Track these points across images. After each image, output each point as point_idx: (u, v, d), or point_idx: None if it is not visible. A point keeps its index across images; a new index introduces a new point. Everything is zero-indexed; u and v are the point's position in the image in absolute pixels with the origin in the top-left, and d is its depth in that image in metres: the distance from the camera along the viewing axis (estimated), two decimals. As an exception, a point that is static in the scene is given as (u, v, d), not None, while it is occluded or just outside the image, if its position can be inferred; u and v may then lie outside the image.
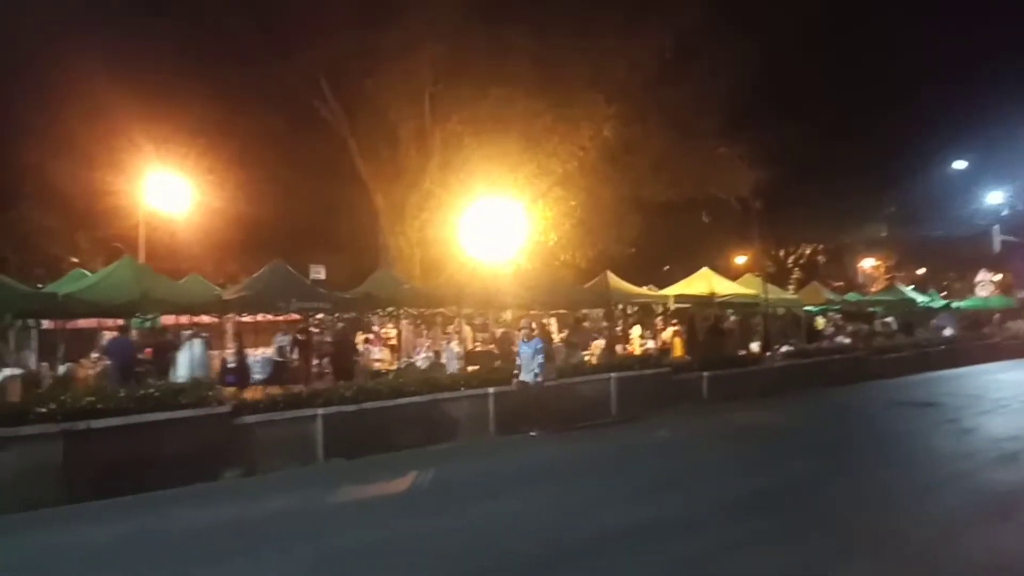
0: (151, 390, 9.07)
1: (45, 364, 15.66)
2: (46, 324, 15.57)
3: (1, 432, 7.90)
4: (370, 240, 22.32)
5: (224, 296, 11.95)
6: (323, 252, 23.54)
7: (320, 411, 10.08)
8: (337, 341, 13.26)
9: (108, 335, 16.41)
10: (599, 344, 17.70)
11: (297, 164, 19.70)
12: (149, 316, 13.55)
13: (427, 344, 18.17)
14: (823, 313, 25.08)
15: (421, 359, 16.53)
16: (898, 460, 9.39)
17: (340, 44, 17.31)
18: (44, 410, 8.19)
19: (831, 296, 24.88)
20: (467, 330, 18.20)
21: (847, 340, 21.72)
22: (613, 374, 13.77)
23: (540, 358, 11.53)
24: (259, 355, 15.20)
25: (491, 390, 11.88)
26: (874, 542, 6.02)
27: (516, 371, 11.72)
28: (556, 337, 18.71)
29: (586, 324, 20.20)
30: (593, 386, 13.55)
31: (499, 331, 18.52)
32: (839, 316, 25.38)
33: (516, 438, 11.47)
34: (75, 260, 19.12)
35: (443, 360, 15.65)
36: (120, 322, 14.73)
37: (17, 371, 14.41)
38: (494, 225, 19.48)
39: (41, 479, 8.03)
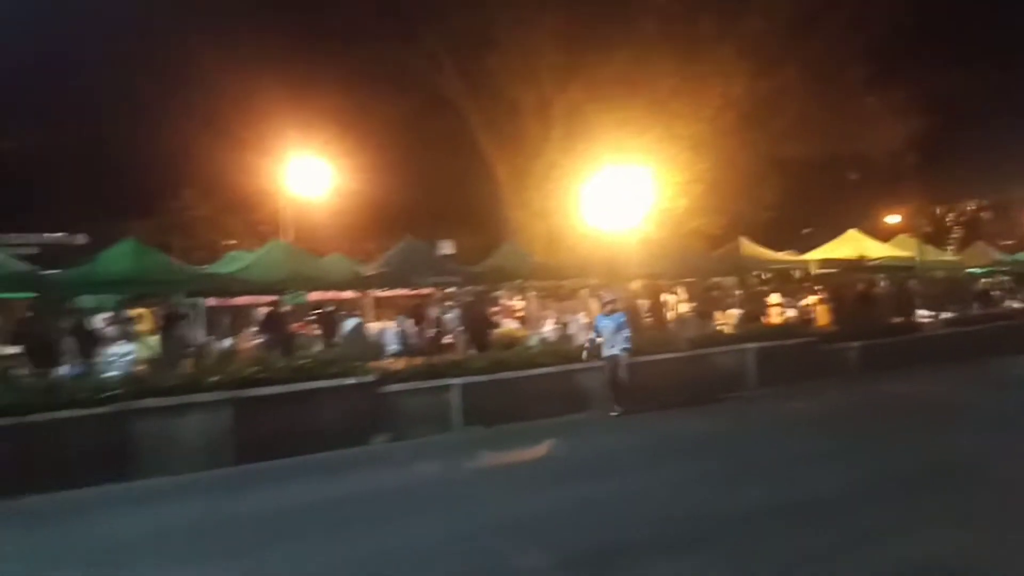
0: (305, 361, 9.72)
1: (211, 338, 17.31)
2: (211, 302, 17.18)
3: (179, 399, 8.79)
4: (494, 215, 22.62)
5: (364, 273, 12.54)
6: (450, 228, 24.16)
7: (457, 381, 10.41)
8: (471, 314, 13.58)
9: (262, 311, 17.88)
10: (733, 313, 16.97)
11: (424, 144, 20.24)
12: (298, 293, 14.53)
13: (553, 316, 18.23)
14: (989, 275, 22.65)
15: (548, 331, 16.62)
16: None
17: (460, 21, 17.49)
18: (215, 379, 9.02)
19: (999, 256, 22.39)
20: (592, 302, 18.06)
21: (1018, 305, 19.52)
22: (752, 344, 13.16)
23: (626, 332, 10.96)
24: (396, 328, 15.92)
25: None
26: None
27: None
28: (681, 307, 18.13)
29: (715, 293, 19.43)
30: (729, 357, 13.03)
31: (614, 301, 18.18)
32: (1008, 278, 22.84)
33: (646, 411, 11.25)
34: (229, 243, 20.88)
35: (570, 332, 15.64)
36: (272, 299, 15.97)
37: (192, 345, 16.08)
38: (619, 193, 19.06)
39: (215, 442, 8.87)
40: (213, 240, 21.90)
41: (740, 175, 19.54)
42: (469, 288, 16.82)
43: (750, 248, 16.51)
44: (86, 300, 14.58)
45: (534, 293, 17.61)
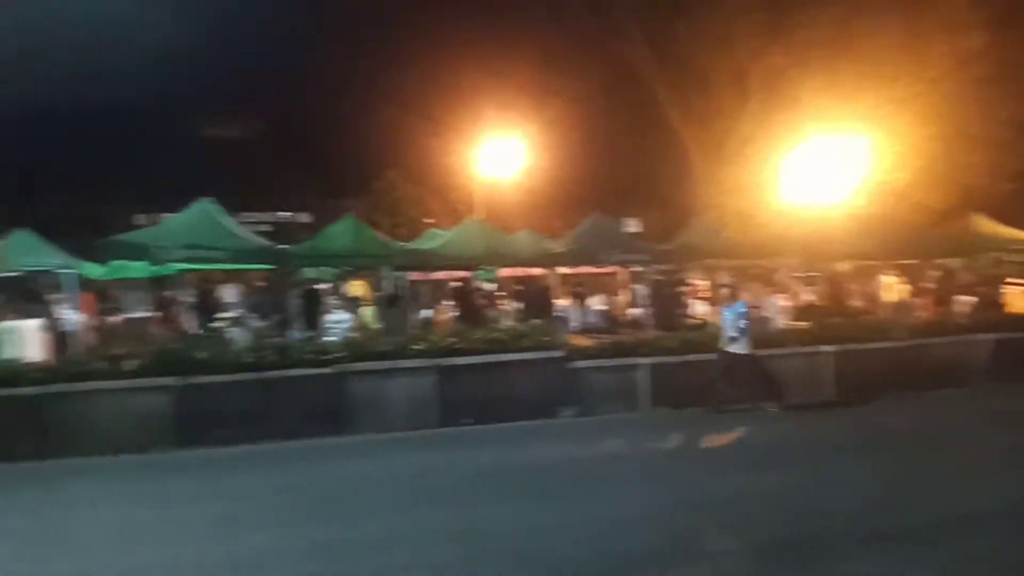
0: (499, 334, 10.20)
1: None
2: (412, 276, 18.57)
3: (390, 364, 9.65)
4: (682, 192, 21.95)
5: (553, 250, 12.79)
6: (637, 205, 23.84)
7: (645, 360, 10.34)
8: (659, 293, 13.35)
9: (453, 285, 19.01)
10: (964, 300, 14.93)
11: (613, 120, 20.14)
12: (490, 268, 15.20)
13: (747, 298, 17.30)
14: None
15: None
16: None
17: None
18: (420, 347, 9.77)
19: None
20: (791, 283, 16.88)
21: None
22: (985, 335, 11.58)
23: (742, 323, 10.00)
24: (579, 306, 16.10)
25: (828, 348, 10.92)
26: None
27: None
28: (899, 291, 16.29)
29: (937, 275, 17.20)
30: (955, 348, 11.57)
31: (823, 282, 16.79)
32: None
33: (858, 401, 10.39)
34: (429, 221, 22.35)
35: (765, 315, 14.76)
36: (464, 274, 16.87)
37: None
38: (824, 165, 17.57)
39: (420, 405, 9.64)
40: (415, 218, 23.57)
41: (973, 142, 17.11)
42: (655, 267, 16.50)
43: (985, 225, 14.42)
44: (308, 272, 16.44)
45: (724, 273, 16.82)
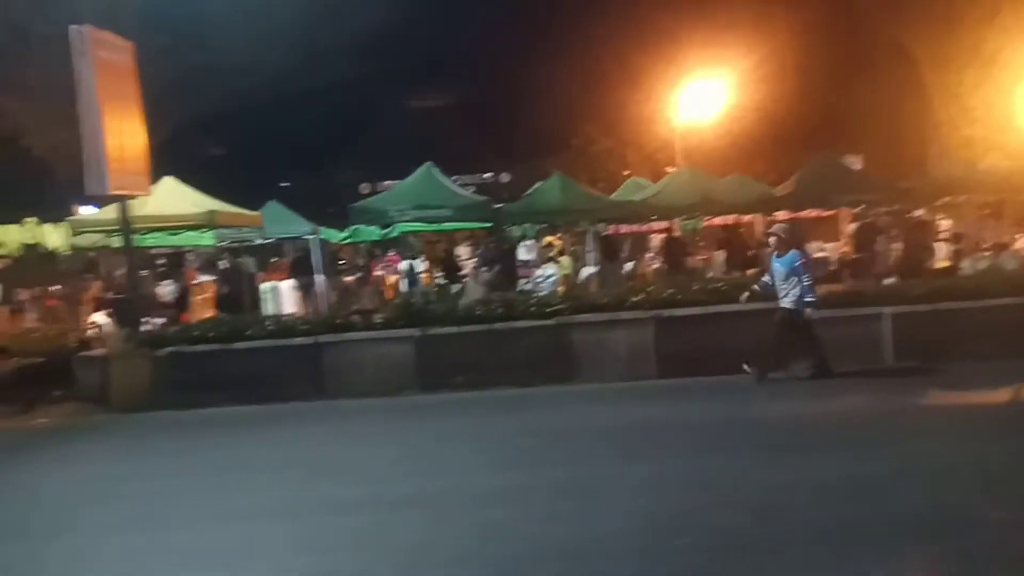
0: (719, 284, 9.88)
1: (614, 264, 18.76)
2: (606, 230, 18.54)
3: (609, 316, 9.76)
4: (910, 124, 19.45)
5: (774, 194, 12.05)
6: (861, 142, 21.61)
7: (888, 310, 9.43)
8: (906, 236, 12.09)
9: (655, 237, 18.65)
10: None
11: (833, 50, 18.21)
12: (696, 218, 14.72)
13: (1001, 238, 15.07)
14: None
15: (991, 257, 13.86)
16: None
17: None
18: (637, 299, 9.77)
19: None
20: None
21: None
22: None
23: (804, 279, 8.46)
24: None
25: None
26: None
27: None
28: None
29: None
30: None
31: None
32: None
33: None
34: (627, 173, 22.05)
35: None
36: (665, 225, 16.49)
37: (593, 269, 17.70)
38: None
39: (639, 356, 9.68)
40: (613, 171, 23.40)
41: None
42: (884, 209, 14.93)
43: None
44: (514, 230, 17.07)
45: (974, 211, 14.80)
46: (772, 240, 9.34)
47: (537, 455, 6.65)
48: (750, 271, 11.95)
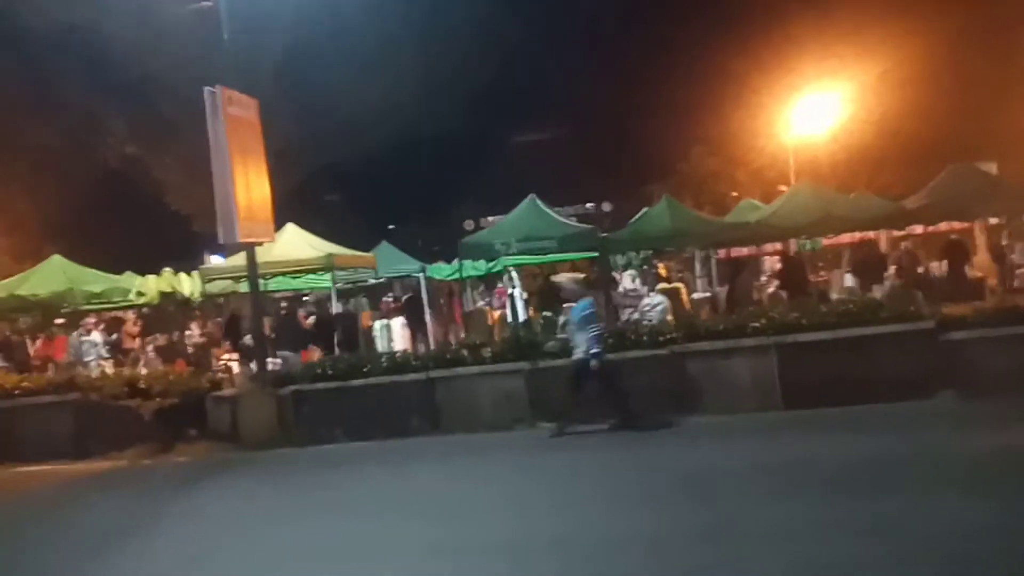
0: (848, 306, 9.16)
1: (720, 289, 17.99)
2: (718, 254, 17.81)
3: (727, 344, 9.25)
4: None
5: (907, 206, 11.15)
6: (985, 150, 19.86)
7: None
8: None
9: (769, 260, 17.71)
10: None
11: (951, 53, 16.94)
12: (815, 238, 13.87)
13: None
14: None
15: None
16: None
17: None
18: (758, 324, 9.21)
19: None
20: None
21: None
22: None
23: (591, 329, 8.40)
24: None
25: None
26: None
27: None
28: None
29: None
30: None
31: None
32: None
33: None
34: (735, 194, 21.25)
35: None
36: (778, 247, 15.62)
37: (706, 294, 17.04)
38: None
39: (762, 386, 9.07)
40: (721, 193, 22.67)
41: None
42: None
43: None
44: (618, 260, 16.77)
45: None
46: (563, 292, 9.40)
47: (667, 494, 6.26)
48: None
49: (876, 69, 17.90)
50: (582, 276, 10.26)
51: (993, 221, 13.89)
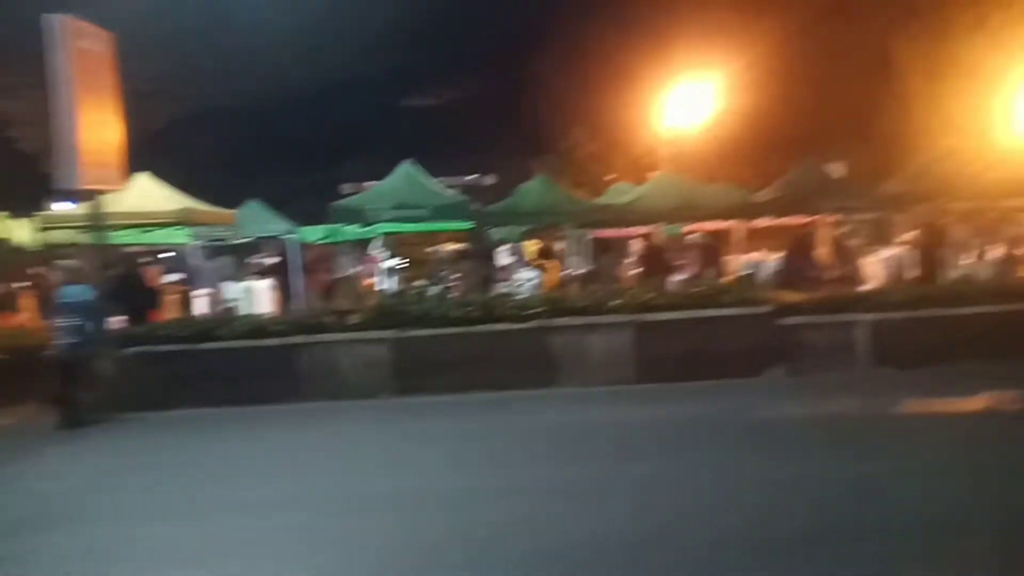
0: (700, 289, 9.81)
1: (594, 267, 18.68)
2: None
3: (588, 320, 9.66)
4: (895, 130, 19.57)
5: (756, 200, 12.01)
6: (845, 148, 21.70)
7: (866, 317, 9.43)
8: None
9: (634, 243, 18.58)
10: None
11: (817, 56, 18.36)
12: (674, 225, 14.65)
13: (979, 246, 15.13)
14: None
15: (971, 264, 13.92)
16: None
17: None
18: (617, 303, 9.67)
19: None
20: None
21: None
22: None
23: (76, 318, 8.36)
24: (773, 260, 15.04)
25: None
26: None
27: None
28: None
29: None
30: None
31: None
32: None
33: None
34: (610, 178, 22.03)
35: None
36: (646, 231, 16.41)
37: (579, 271, 17.61)
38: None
39: (616, 361, 9.58)
40: (597, 175, 23.39)
41: None
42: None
43: None
44: (496, 232, 16.94)
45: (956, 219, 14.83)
46: (58, 275, 9.15)
47: (510, 455, 6.63)
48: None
49: (742, 64, 19.07)
50: (77, 264, 9.42)
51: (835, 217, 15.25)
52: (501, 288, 12.73)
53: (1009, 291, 9.75)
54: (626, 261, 18.02)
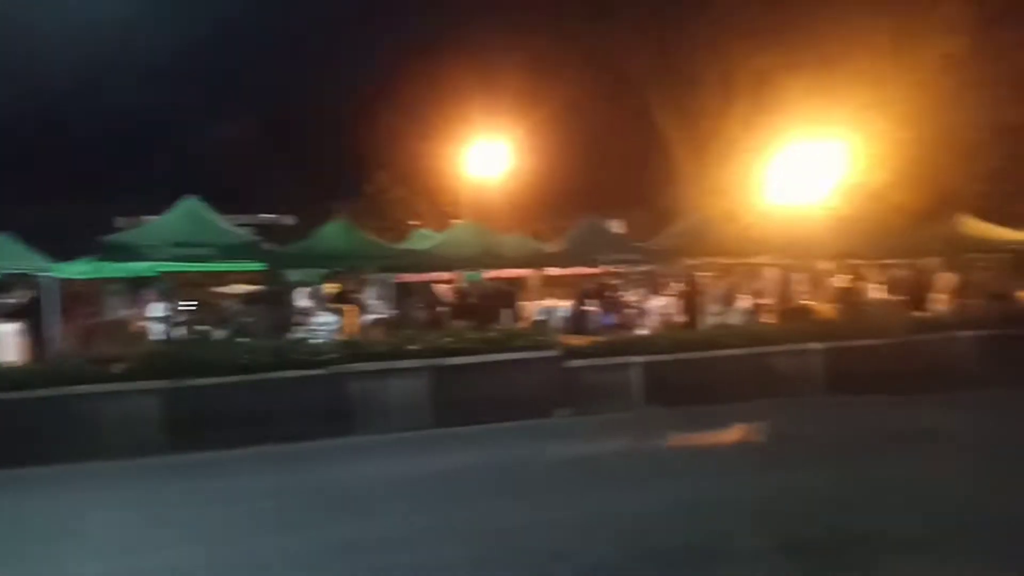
0: (495, 333, 10.16)
1: (397, 311, 18.60)
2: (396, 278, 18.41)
3: (385, 365, 9.56)
4: (667, 193, 22.10)
5: (546, 251, 12.81)
6: (625, 207, 23.98)
7: (638, 359, 10.38)
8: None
9: (438, 287, 18.89)
10: (942, 298, 15.18)
11: (602, 123, 20.30)
12: (479, 270, 15.14)
13: (732, 297, 17.43)
14: None
15: (725, 312, 15.96)
16: None
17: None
18: (414, 347, 9.70)
19: None
20: (769, 282, 17.07)
21: None
22: (969, 332, 11.78)
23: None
24: (564, 306, 16.12)
25: (818, 346, 11.05)
26: None
27: None
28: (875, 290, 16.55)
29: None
30: (941, 345, 11.73)
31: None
32: None
33: (850, 399, 10.49)
34: (415, 223, 22.26)
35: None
36: (451, 276, 16.76)
37: (380, 316, 17.39)
38: (807, 167, 17.87)
39: (413, 406, 9.56)
40: (401, 220, 23.49)
41: (952, 143, 17.44)
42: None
43: (970, 225, 14.64)
44: (292, 275, 16.26)
45: (711, 273, 16.97)
46: None
47: (294, 515, 6.23)
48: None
49: (535, 127, 20.58)
50: None
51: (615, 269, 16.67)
52: (298, 333, 12.21)
53: (754, 336, 11.27)
54: (433, 307, 18.24)
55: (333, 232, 11.59)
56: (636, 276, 17.55)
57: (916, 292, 15.03)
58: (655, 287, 14.93)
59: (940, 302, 14.33)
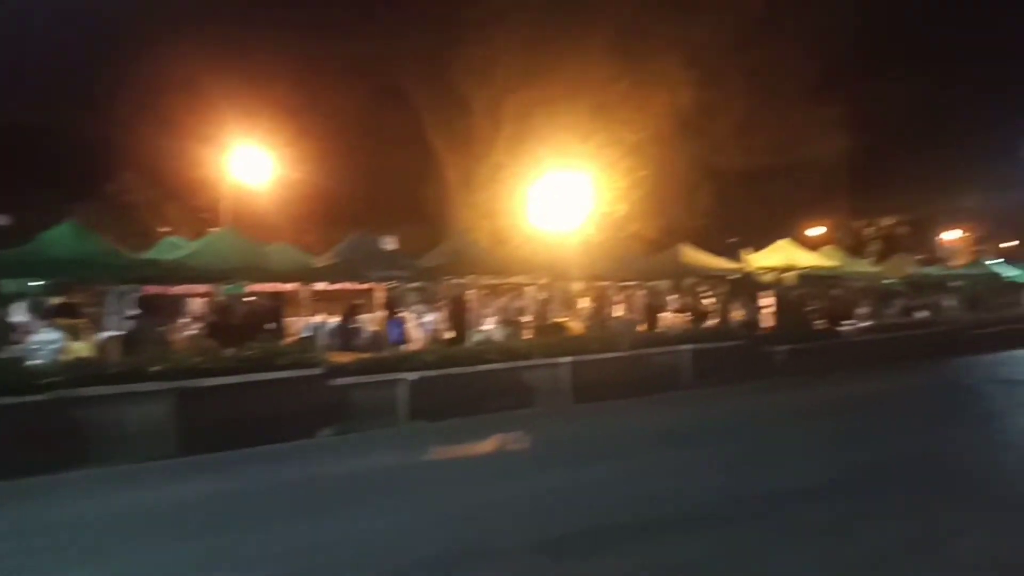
0: (252, 352, 9.63)
1: (138, 328, 16.64)
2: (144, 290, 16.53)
3: (119, 389, 8.59)
4: (439, 212, 22.75)
5: (314, 265, 12.46)
6: (394, 223, 24.11)
7: (404, 375, 10.53)
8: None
9: (194, 301, 17.31)
10: (668, 316, 17.57)
11: (371, 136, 20.36)
12: (240, 283, 14.21)
13: (495, 315, 18.38)
14: (905, 286, 24.12)
15: (489, 329, 16.78)
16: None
17: (420, 16, 17.66)
18: (157, 369, 8.84)
19: (914, 270, 23.90)
20: (529, 301, 18.36)
21: (927, 314, 20.89)
22: (687, 345, 13.76)
23: None
24: (333, 322, 15.75)
25: (567, 359, 12.12)
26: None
27: None
28: (619, 309, 18.67)
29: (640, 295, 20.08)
30: (666, 358, 13.57)
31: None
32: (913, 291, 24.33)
33: (593, 406, 11.68)
34: (165, 230, 20.27)
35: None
36: (207, 289, 15.50)
37: (118, 333, 15.46)
38: (562, 196, 19.59)
39: (156, 434, 8.70)
40: (149, 226, 21.20)
41: (677, 182, 20.33)
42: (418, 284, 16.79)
43: (689, 254, 17.16)
44: (7, 285, 13.88)
45: (475, 291, 17.79)
46: None
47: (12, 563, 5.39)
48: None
49: (306, 137, 20.05)
50: None
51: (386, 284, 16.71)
52: (14, 352, 10.49)
53: (514, 351, 12.02)
54: (183, 320, 16.58)
55: (60, 236, 10.16)
56: (410, 292, 17.79)
57: (648, 311, 17.25)
58: (430, 303, 15.25)
59: (666, 320, 16.58)
